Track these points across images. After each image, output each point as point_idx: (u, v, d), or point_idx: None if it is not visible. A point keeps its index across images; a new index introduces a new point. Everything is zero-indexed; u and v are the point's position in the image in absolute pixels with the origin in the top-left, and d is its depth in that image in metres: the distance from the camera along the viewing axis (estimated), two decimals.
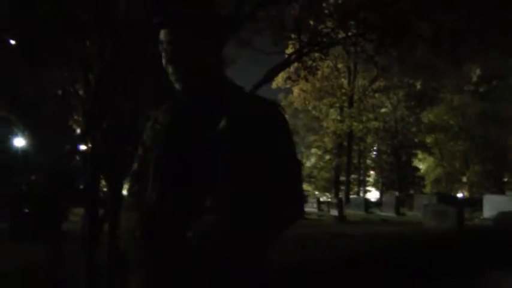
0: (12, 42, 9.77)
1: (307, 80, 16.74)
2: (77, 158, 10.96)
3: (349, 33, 12.72)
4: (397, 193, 39.23)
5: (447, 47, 13.91)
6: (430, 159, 51.50)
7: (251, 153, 1.73)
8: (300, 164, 1.87)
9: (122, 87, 7.66)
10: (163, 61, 1.93)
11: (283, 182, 1.76)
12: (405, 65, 27.46)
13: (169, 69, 1.92)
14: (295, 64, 14.05)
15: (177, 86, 1.93)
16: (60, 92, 12.13)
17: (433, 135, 48.23)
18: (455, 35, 13.05)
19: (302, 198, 1.85)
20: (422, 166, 53.67)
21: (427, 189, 50.34)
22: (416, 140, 48.12)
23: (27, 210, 16.76)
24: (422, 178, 52.60)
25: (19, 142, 18.45)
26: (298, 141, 51.55)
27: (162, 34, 1.93)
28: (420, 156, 51.66)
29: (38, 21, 8.45)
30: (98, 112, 7.76)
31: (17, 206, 16.97)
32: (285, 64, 12.27)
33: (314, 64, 13.07)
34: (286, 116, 1.91)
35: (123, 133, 9.52)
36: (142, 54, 7.58)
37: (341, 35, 12.94)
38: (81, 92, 11.01)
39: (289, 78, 17.00)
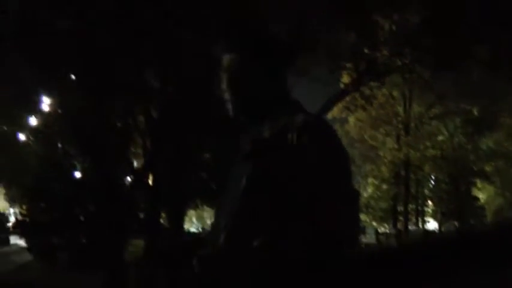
0: (73, 77, 10.14)
1: (364, 109, 16.59)
2: (138, 189, 11.20)
3: (406, 61, 12.60)
4: (456, 223, 38.07)
5: (506, 69, 13.59)
6: (490, 188, 49.82)
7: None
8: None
9: (185, 120, 7.81)
10: (224, 87, 1.93)
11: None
12: (462, 90, 26.90)
13: (230, 95, 1.92)
14: (351, 94, 13.98)
15: (239, 113, 1.93)
16: (120, 124, 12.46)
17: (493, 163, 46.75)
18: None
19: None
20: (482, 195, 51.99)
21: (488, 219, 48.70)
22: (475, 168, 46.65)
23: (85, 240, 17.14)
24: (482, 208, 50.92)
25: (78, 174, 18.99)
26: (355, 170, 50.94)
27: (225, 61, 1.93)
28: (479, 185, 50.07)
29: (100, 56, 8.75)
30: (160, 144, 7.92)
31: (77, 235, 17.37)
32: (343, 94, 12.24)
33: (372, 93, 12.98)
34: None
35: (185, 166, 9.67)
36: (205, 87, 7.72)
37: (398, 62, 12.83)
38: (141, 125, 11.30)
39: (347, 108, 16.92)
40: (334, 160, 1.74)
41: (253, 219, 1.74)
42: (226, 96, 1.93)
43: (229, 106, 1.93)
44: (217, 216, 1.97)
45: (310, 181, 1.68)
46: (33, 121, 17.00)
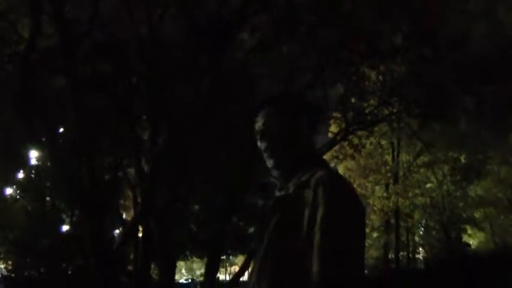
0: (62, 130, 10.16)
1: (353, 158, 16.72)
2: (127, 241, 11.06)
3: (394, 110, 12.77)
4: None
5: (490, 118, 13.79)
6: (481, 235, 49.74)
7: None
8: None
9: (177, 171, 7.82)
10: (261, 143, 2.03)
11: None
12: (449, 138, 27.20)
13: (269, 154, 2.02)
14: (340, 143, 14.09)
15: (274, 170, 2.02)
16: (109, 177, 12.43)
17: (482, 210, 46.84)
18: (498, 107, 12.97)
19: None
20: (473, 242, 51.88)
21: None
22: (464, 215, 46.68)
23: None
24: None
25: (66, 228, 18.76)
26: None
27: (261, 117, 2.06)
28: (470, 231, 50.01)
29: (92, 113, 8.80)
30: (151, 197, 7.89)
31: None
32: (332, 143, 12.34)
33: (360, 142, 13.09)
34: None
35: (176, 217, 9.62)
36: (197, 137, 7.78)
37: (385, 112, 13.00)
38: (132, 178, 11.27)
39: (336, 157, 17.02)
40: (343, 217, 1.80)
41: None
42: (265, 154, 2.03)
43: (267, 163, 2.03)
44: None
45: (317, 235, 1.75)
46: (21, 175, 16.90)
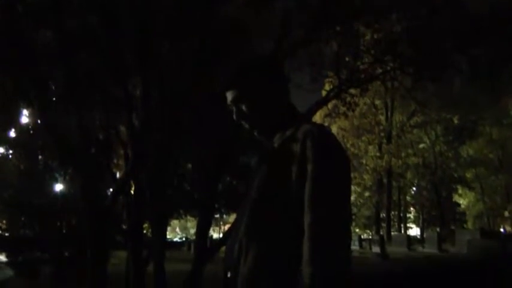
0: (53, 88, 10.04)
1: (346, 117, 16.72)
2: (120, 200, 11.08)
3: (388, 68, 12.69)
4: (438, 229, 38.37)
5: (484, 79, 13.75)
6: (471, 195, 50.41)
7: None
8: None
9: (168, 127, 7.77)
10: (242, 109, 2.05)
11: None
12: (443, 99, 27.21)
13: (247, 117, 2.05)
14: (334, 101, 14.03)
15: (256, 130, 2.07)
16: (101, 135, 12.35)
17: (473, 170, 47.28)
18: (492, 68, 12.91)
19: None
20: (463, 201, 52.56)
21: (469, 225, 49.22)
22: (456, 175, 47.14)
23: (67, 254, 16.91)
24: (463, 214, 51.50)
25: (59, 187, 18.78)
26: None
27: (236, 81, 2.07)
28: (460, 191, 50.62)
29: (82, 67, 8.68)
30: (142, 153, 7.86)
31: (58, 249, 17.13)
32: (324, 101, 12.27)
33: (353, 100, 13.03)
34: None
35: (168, 174, 9.60)
36: (188, 94, 7.70)
37: (379, 70, 12.91)
38: (123, 136, 11.21)
39: (328, 115, 17.01)
40: (331, 168, 1.81)
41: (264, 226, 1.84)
42: (243, 117, 2.06)
43: (247, 126, 2.08)
44: (236, 221, 2.13)
45: (308, 187, 1.76)
46: (12, 134, 16.78)
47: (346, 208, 1.79)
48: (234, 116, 2.07)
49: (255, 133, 2.07)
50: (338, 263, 1.68)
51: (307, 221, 1.71)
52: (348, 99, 12.94)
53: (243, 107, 2.03)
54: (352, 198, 35.03)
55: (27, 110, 13.48)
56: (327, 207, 1.72)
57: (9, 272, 17.14)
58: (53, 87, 9.58)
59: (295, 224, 1.74)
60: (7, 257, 18.77)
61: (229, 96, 2.06)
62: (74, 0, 8.17)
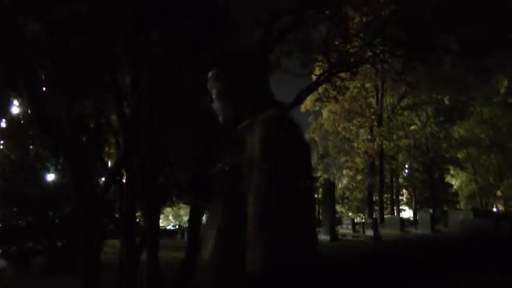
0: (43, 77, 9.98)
1: (336, 101, 16.74)
2: (113, 188, 11.08)
3: (377, 51, 12.70)
4: (431, 210, 38.61)
5: (474, 59, 13.77)
6: (463, 175, 50.70)
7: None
8: None
9: (158, 115, 7.77)
10: (217, 97, 2.08)
11: None
12: (433, 80, 27.22)
13: (221, 105, 2.08)
14: (324, 86, 14.06)
15: (228, 120, 2.08)
16: (93, 125, 12.31)
17: (465, 150, 47.52)
18: (482, 47, 12.93)
19: None
20: (455, 182, 52.85)
21: (462, 205, 49.56)
22: (447, 156, 47.34)
23: (60, 244, 16.92)
24: (455, 194, 51.79)
25: (51, 176, 18.74)
26: (330, 162, 51.33)
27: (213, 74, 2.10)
28: (453, 172, 50.86)
29: (72, 56, 8.63)
30: (133, 141, 7.84)
31: (52, 239, 17.13)
32: (315, 85, 12.28)
33: (343, 84, 13.06)
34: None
35: (159, 161, 9.62)
36: (177, 83, 7.70)
37: (368, 53, 12.93)
38: (114, 125, 11.19)
39: (319, 99, 17.03)
40: (292, 152, 1.78)
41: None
42: (217, 105, 2.10)
43: (220, 114, 2.10)
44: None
45: (266, 173, 1.75)
46: (2, 124, 16.71)
47: (295, 197, 1.72)
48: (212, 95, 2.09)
49: (220, 119, 2.08)
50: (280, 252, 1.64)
51: (251, 210, 1.71)
52: (338, 83, 12.98)
53: (219, 87, 2.06)
54: (345, 182, 35.15)
55: (17, 100, 13.42)
56: (270, 196, 1.70)
57: (2, 263, 17.14)
58: (43, 77, 9.52)
59: (244, 212, 1.74)
60: (0, 248, 18.76)
61: (210, 73, 2.10)
62: None
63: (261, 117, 1.83)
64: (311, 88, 11.98)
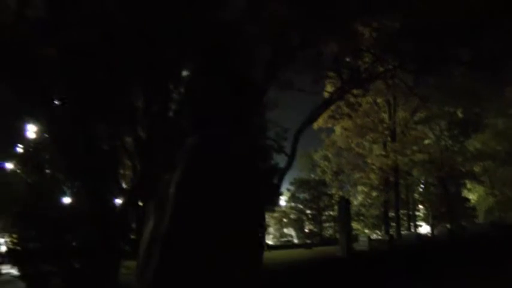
0: (58, 102, 10.10)
1: (350, 117, 16.73)
2: (128, 210, 11.12)
3: (389, 66, 12.71)
4: (448, 225, 38.17)
5: (486, 71, 13.74)
6: (480, 189, 50.08)
7: None
8: None
9: (171, 135, 7.82)
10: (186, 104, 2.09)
11: None
12: (445, 92, 27.11)
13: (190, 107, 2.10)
14: (336, 103, 14.06)
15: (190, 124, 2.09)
16: (107, 147, 12.41)
17: (481, 163, 46.97)
18: (494, 58, 12.91)
19: None
20: (472, 196, 52.19)
21: (480, 220, 48.88)
22: (463, 170, 46.77)
23: (77, 266, 16.92)
24: (473, 208, 51.10)
25: (67, 200, 18.81)
26: (344, 179, 51.05)
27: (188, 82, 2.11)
28: (469, 186, 50.26)
29: (88, 84, 8.75)
30: (149, 164, 7.91)
31: (69, 261, 17.15)
32: (328, 103, 12.31)
33: (356, 101, 13.07)
34: None
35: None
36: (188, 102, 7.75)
37: (380, 68, 12.93)
38: (129, 147, 11.26)
39: (332, 117, 17.02)
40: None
41: None
42: (185, 107, 2.09)
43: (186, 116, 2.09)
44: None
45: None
46: (19, 149, 16.86)
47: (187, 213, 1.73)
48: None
49: (191, 125, 2.10)
50: None
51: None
52: (351, 100, 12.98)
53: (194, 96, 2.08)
54: (360, 198, 34.90)
55: (32, 125, 13.58)
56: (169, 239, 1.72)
57: (21, 286, 17.20)
58: (57, 102, 9.66)
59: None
60: (19, 270, 18.83)
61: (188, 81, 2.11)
62: (74, 18, 8.24)
63: (188, 142, 1.82)
64: (324, 106, 12.01)
